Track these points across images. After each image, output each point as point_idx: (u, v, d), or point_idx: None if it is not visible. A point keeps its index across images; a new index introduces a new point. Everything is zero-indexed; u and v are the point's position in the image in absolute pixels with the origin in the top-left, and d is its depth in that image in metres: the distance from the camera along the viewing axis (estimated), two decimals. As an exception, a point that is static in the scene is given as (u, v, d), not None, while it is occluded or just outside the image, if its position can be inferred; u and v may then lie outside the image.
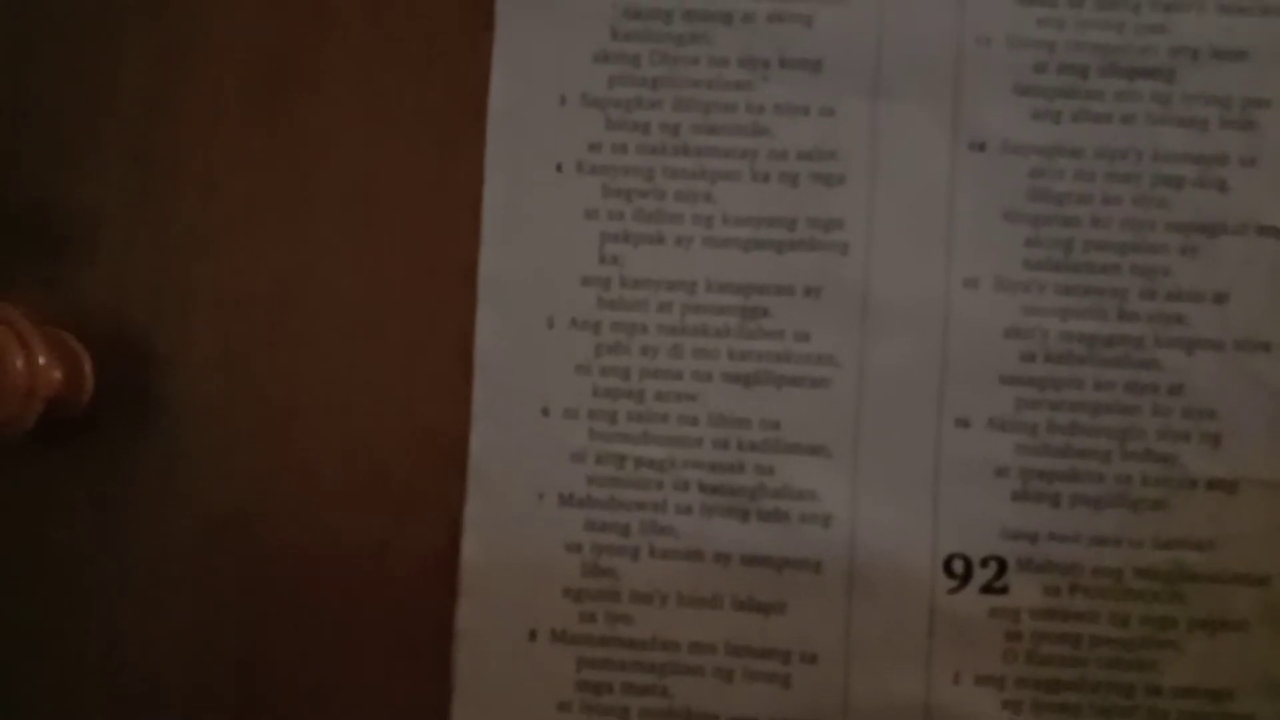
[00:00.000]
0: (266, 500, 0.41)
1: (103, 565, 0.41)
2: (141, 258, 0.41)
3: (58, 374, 0.39)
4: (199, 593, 0.41)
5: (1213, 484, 0.39)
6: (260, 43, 0.41)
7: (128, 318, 0.41)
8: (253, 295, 0.41)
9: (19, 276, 0.40)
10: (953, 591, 0.39)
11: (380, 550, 0.40)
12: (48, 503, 0.41)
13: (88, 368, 0.40)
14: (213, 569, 0.41)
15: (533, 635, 0.40)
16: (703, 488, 0.40)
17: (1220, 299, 0.39)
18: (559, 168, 0.40)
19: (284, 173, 0.41)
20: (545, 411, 0.40)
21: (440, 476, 0.40)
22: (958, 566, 0.39)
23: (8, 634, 0.41)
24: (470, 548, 0.40)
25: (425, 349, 0.40)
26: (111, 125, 0.41)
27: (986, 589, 0.39)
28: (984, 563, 0.39)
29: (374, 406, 0.41)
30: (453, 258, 0.40)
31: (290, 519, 0.41)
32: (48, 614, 0.41)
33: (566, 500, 0.40)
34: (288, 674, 0.41)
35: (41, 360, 0.38)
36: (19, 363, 0.37)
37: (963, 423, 0.39)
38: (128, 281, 0.41)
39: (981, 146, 0.39)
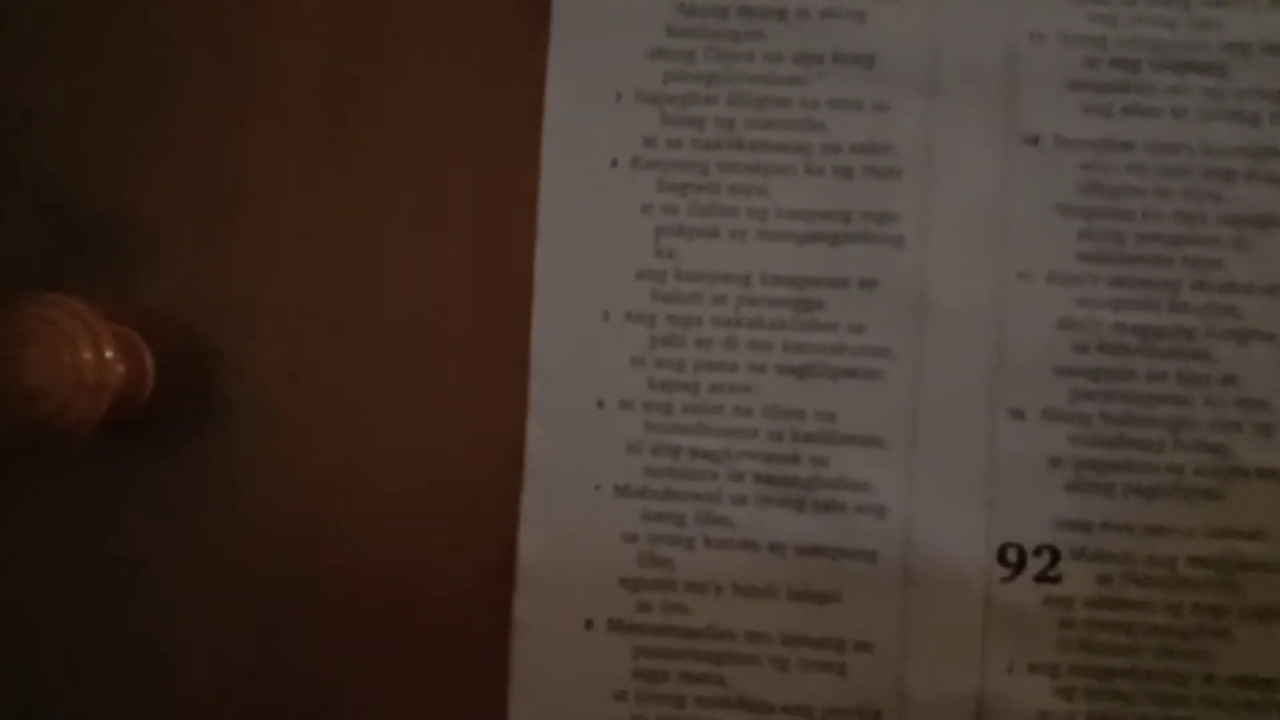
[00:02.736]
0: (327, 508, 0.41)
1: (164, 568, 0.42)
2: (206, 268, 0.42)
3: (121, 368, 0.39)
4: (260, 598, 0.41)
5: (1264, 474, 0.39)
6: (323, 59, 0.42)
7: (192, 328, 0.42)
8: (315, 305, 0.41)
9: (84, 287, 0.40)
10: (1006, 581, 0.39)
11: (441, 556, 0.41)
12: (109, 507, 0.42)
13: (149, 362, 0.41)
14: (273, 574, 0.41)
15: (589, 625, 0.40)
16: (758, 478, 0.40)
17: (1272, 291, 0.39)
18: (614, 163, 0.41)
19: (347, 185, 0.41)
20: (601, 404, 0.41)
21: (502, 484, 0.40)
22: (1011, 556, 0.39)
23: (67, 633, 0.42)
24: (527, 540, 0.40)
25: (487, 358, 0.41)
26: (178, 139, 0.42)
27: (1040, 578, 0.39)
28: (1037, 552, 0.39)
29: (436, 415, 0.41)
30: (513, 267, 0.41)
31: (352, 526, 0.41)
32: (109, 616, 0.42)
33: (623, 491, 0.40)
34: (348, 670, 0.41)
35: (108, 354, 0.38)
36: (88, 355, 0.38)
37: (1017, 414, 0.39)
38: (192, 292, 0.42)
39: (1035, 140, 0.40)
